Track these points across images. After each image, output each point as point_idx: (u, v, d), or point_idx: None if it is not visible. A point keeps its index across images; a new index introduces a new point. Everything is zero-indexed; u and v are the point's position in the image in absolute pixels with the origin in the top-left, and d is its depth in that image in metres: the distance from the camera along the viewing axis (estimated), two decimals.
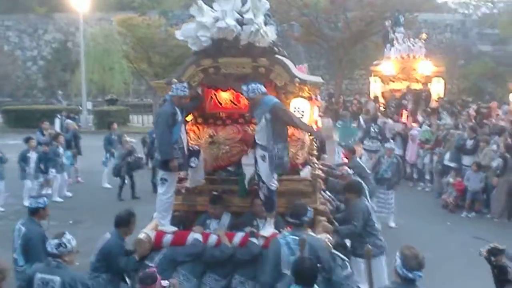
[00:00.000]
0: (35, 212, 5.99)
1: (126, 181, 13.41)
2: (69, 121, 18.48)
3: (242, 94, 6.16)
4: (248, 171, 6.15)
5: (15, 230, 5.96)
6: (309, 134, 6.72)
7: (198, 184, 6.48)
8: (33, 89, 42.17)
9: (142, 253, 5.84)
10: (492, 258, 4.85)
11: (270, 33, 6.13)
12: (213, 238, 5.92)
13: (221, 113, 6.71)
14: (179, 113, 5.91)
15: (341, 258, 5.61)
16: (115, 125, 15.20)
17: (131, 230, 5.93)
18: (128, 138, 13.88)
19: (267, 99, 5.66)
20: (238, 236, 5.92)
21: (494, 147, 12.26)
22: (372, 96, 19.94)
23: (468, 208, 11.75)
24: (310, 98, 6.34)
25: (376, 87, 19.69)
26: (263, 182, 5.73)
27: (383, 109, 17.84)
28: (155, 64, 27.96)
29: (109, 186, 14.08)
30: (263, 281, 5.29)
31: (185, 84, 5.99)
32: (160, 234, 6.02)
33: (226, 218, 6.30)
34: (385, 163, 10.87)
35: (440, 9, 46.26)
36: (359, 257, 6.49)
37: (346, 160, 9.96)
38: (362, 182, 7.96)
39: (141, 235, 5.94)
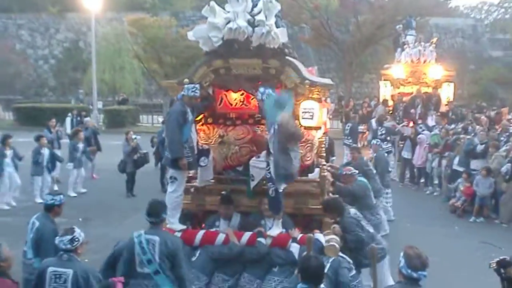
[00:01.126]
0: (50, 209, 5.96)
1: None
2: (88, 118, 18.70)
3: (252, 94, 6.24)
4: (257, 173, 6.17)
5: (29, 223, 5.97)
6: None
7: (207, 184, 6.52)
8: (44, 87, 42.54)
9: None
10: (502, 270, 4.81)
11: (281, 35, 6.15)
12: (221, 237, 5.97)
13: (231, 114, 6.74)
14: (189, 112, 5.97)
15: (348, 260, 5.60)
16: None
17: None
18: (133, 135, 13.96)
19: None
20: (246, 236, 5.94)
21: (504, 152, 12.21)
22: (381, 99, 19.93)
23: (476, 213, 11.71)
24: (319, 100, 6.34)
25: (386, 91, 19.67)
26: (273, 184, 5.71)
27: (391, 112, 17.86)
28: (166, 65, 28.13)
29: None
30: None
31: (197, 85, 6.04)
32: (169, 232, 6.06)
33: (236, 219, 6.32)
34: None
35: (452, 14, 46.10)
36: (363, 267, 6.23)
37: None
38: (366, 180, 8.02)
39: None
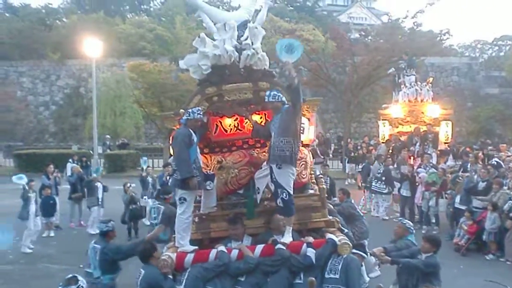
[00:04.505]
0: (105, 234, 7.09)
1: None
2: (74, 164, 18.63)
3: (246, 118, 6.58)
4: (262, 184, 6.32)
5: (90, 249, 7.05)
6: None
7: (211, 211, 6.55)
8: (44, 133, 42.78)
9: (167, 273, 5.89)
10: None
11: (266, 58, 6.67)
12: (234, 252, 6.00)
13: (226, 142, 6.92)
14: (194, 134, 6.13)
15: (361, 254, 6.21)
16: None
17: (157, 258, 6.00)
18: (129, 184, 13.89)
19: (285, 107, 6.07)
20: (259, 248, 6.03)
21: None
22: (381, 139, 20.08)
23: (487, 250, 11.65)
24: (308, 118, 6.80)
25: (384, 130, 19.83)
26: (282, 188, 5.93)
27: (392, 152, 17.97)
28: (166, 109, 28.31)
29: None
30: None
31: (200, 108, 6.29)
32: (181, 256, 6.03)
33: (248, 241, 6.33)
34: None
35: (447, 53, 46.79)
36: None
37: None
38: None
39: (164, 257, 5.99)
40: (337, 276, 5.73)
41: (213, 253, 6.01)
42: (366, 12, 74.34)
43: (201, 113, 6.22)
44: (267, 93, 6.14)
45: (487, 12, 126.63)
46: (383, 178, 15.54)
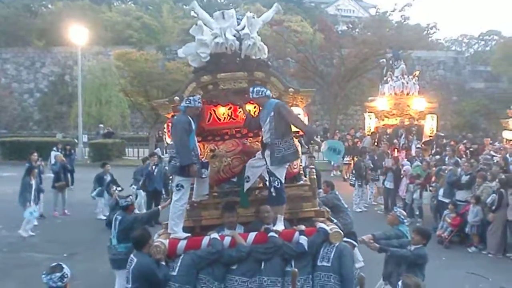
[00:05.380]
0: (126, 208, 7.90)
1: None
2: (57, 153, 18.38)
3: (240, 107, 6.57)
4: (253, 173, 6.36)
5: (113, 220, 7.88)
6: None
7: (203, 199, 6.57)
8: (28, 121, 42.35)
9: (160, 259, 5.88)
10: None
11: (265, 47, 6.67)
12: (227, 240, 6.02)
13: (219, 130, 6.91)
14: (192, 122, 6.11)
15: (353, 243, 6.32)
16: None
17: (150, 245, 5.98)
18: (115, 188, 13.60)
19: (271, 101, 6.14)
20: (252, 235, 6.06)
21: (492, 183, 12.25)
22: (367, 131, 20.17)
23: (470, 243, 11.77)
24: (302, 109, 6.83)
25: (371, 123, 19.93)
26: (275, 176, 6.01)
27: (376, 144, 18.08)
28: (152, 98, 28.12)
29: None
30: None
31: (199, 96, 6.29)
32: (174, 242, 6.03)
33: (240, 230, 6.34)
34: None
35: (433, 47, 47.07)
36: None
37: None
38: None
39: (156, 243, 5.97)
40: (329, 264, 5.82)
41: (206, 240, 6.02)
42: (354, 5, 74.42)
43: (200, 101, 6.23)
44: (251, 89, 6.19)
45: (474, 7, 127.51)
46: (353, 171, 15.70)
